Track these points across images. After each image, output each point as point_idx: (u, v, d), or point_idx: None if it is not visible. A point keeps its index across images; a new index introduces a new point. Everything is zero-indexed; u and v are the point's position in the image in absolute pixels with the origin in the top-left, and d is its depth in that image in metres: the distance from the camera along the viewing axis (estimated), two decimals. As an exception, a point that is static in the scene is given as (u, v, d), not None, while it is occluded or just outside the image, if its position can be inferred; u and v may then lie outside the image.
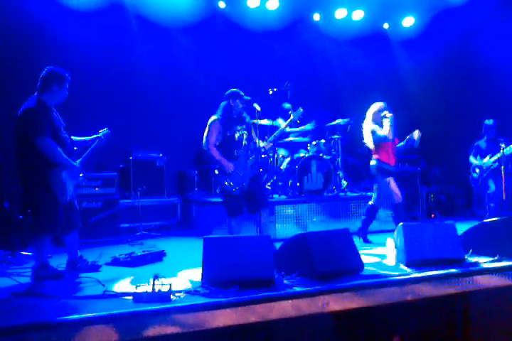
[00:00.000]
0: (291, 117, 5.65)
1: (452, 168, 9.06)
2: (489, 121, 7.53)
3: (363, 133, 6.00)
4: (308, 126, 7.82)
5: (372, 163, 5.97)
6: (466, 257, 4.42)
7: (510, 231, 4.67)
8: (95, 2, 7.73)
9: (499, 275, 4.20)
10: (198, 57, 8.54)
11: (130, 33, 8.17)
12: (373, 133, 5.84)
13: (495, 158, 7.30)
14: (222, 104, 5.17)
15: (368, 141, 5.94)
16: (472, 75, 9.28)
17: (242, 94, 5.12)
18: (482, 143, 7.59)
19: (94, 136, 4.78)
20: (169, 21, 8.28)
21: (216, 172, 5.09)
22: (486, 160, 7.43)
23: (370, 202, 6.09)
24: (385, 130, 5.78)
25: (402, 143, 6.06)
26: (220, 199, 6.97)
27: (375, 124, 5.88)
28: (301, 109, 5.65)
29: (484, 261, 4.38)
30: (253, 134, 5.30)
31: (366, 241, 6.05)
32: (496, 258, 4.45)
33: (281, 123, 6.55)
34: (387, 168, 5.87)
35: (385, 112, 5.84)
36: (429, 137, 6.77)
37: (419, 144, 5.95)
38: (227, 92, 5.19)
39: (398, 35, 10.11)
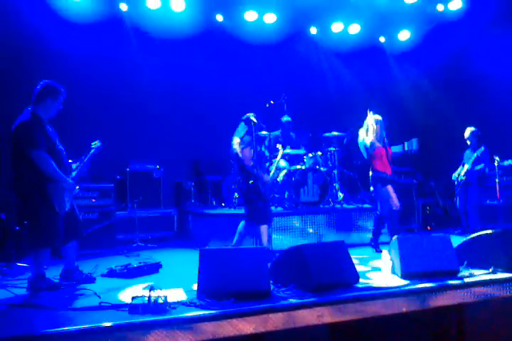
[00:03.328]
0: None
1: (449, 181, 9.10)
2: (471, 129, 7.57)
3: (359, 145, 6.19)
4: (300, 151, 7.89)
5: (370, 173, 6.10)
6: (460, 269, 4.44)
7: (505, 243, 4.70)
8: (94, 15, 7.81)
9: (493, 287, 4.23)
10: (196, 69, 8.61)
11: (128, 46, 8.26)
12: (372, 145, 5.99)
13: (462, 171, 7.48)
14: (245, 125, 5.53)
15: (363, 152, 6.14)
16: (468, 89, 9.36)
17: (255, 121, 5.51)
18: (467, 152, 7.64)
19: (88, 155, 4.80)
20: (167, 34, 8.36)
21: (251, 181, 5.41)
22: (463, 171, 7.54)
23: (377, 212, 6.19)
24: (370, 136, 5.96)
25: (397, 149, 6.16)
26: (216, 211, 7.03)
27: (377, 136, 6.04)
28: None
29: (479, 274, 4.41)
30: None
31: (378, 251, 6.02)
32: (490, 270, 4.47)
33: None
34: (384, 177, 5.99)
35: (370, 116, 6.01)
36: (425, 150, 6.83)
37: (418, 155, 6.07)
38: (250, 115, 5.55)
39: (394, 48, 10.22)
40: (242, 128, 5.56)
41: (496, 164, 7.18)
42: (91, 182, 6.70)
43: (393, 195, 6.00)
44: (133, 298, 3.46)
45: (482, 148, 7.20)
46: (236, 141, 5.50)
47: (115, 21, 8.08)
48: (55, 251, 4.96)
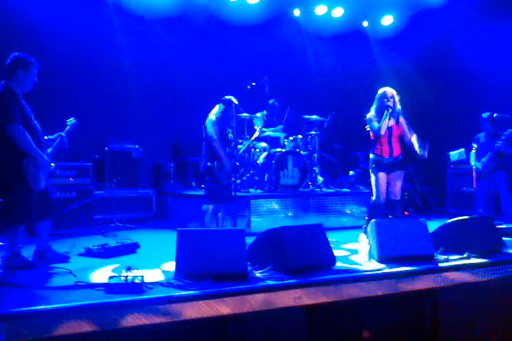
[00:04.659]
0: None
1: (426, 168, 9.19)
2: (484, 114, 7.11)
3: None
4: (278, 131, 7.86)
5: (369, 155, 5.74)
6: (436, 254, 4.50)
7: (479, 229, 4.78)
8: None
9: (467, 272, 4.31)
10: (177, 49, 8.49)
11: (109, 24, 8.07)
12: (369, 121, 5.60)
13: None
14: (221, 107, 5.55)
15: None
16: (449, 75, 9.42)
17: (236, 103, 5.50)
18: (482, 137, 7.17)
19: (57, 133, 4.72)
20: (149, 13, 8.21)
21: (209, 163, 5.46)
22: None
23: (372, 198, 5.74)
24: (380, 123, 5.46)
25: (415, 142, 5.59)
26: (195, 193, 7.00)
27: (378, 112, 5.59)
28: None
29: (453, 258, 4.48)
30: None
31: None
32: (465, 255, 4.54)
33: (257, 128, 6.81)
34: (377, 160, 5.58)
35: (386, 100, 5.50)
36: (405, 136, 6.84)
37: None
38: (227, 97, 5.55)
39: (377, 33, 10.19)
40: (219, 109, 5.56)
41: (473, 151, 7.23)
42: (69, 161, 6.61)
43: (382, 186, 5.56)
44: (109, 278, 3.43)
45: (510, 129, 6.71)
46: (210, 121, 5.49)
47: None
48: (30, 230, 4.88)
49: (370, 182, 5.83)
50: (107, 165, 7.36)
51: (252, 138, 6.51)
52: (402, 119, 5.66)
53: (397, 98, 5.62)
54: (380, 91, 5.63)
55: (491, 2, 8.55)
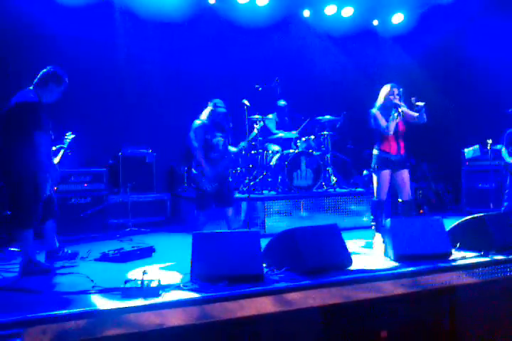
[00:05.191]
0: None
1: (441, 165, 9.11)
2: None
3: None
4: (291, 134, 7.82)
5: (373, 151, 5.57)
6: (452, 252, 4.46)
7: (496, 226, 4.73)
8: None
9: (485, 269, 4.25)
10: (188, 53, 8.51)
11: (119, 29, 8.12)
12: (374, 118, 5.43)
13: None
14: (207, 109, 5.57)
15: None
16: (460, 72, 9.33)
17: (221, 105, 5.53)
18: None
19: (59, 145, 4.87)
20: (158, 17, 8.23)
21: (194, 171, 5.48)
22: None
23: (375, 197, 5.61)
24: (389, 122, 5.31)
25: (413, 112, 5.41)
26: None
27: (383, 109, 5.45)
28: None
29: (470, 256, 4.43)
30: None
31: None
32: (482, 253, 4.49)
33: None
34: (384, 157, 5.42)
35: (392, 97, 5.37)
36: (419, 133, 6.80)
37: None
38: (213, 100, 5.57)
39: (388, 32, 10.14)
40: (205, 113, 5.56)
41: (488, 147, 7.17)
42: (84, 167, 6.68)
43: (386, 182, 5.41)
44: (126, 282, 3.45)
45: None
46: (192, 126, 5.50)
47: (104, 3, 7.93)
48: (38, 234, 4.97)
49: None
50: (120, 170, 7.41)
51: (250, 137, 6.51)
52: (404, 109, 5.44)
53: (400, 92, 5.45)
54: (386, 87, 5.49)
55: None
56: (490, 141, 7.10)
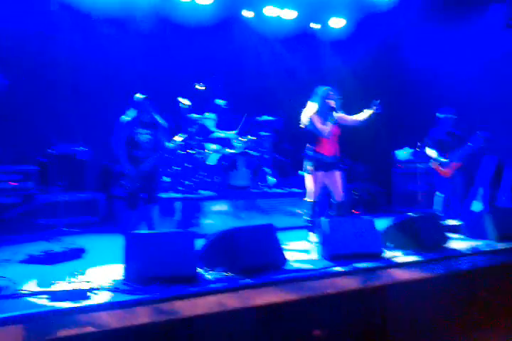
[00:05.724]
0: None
1: (374, 167, 9.36)
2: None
3: (302, 115, 5.58)
4: (230, 134, 7.81)
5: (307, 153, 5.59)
6: (384, 251, 4.58)
7: (425, 227, 4.90)
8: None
9: (413, 268, 4.39)
10: (125, 48, 8.29)
11: (53, 20, 7.81)
12: (310, 121, 5.44)
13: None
14: (130, 108, 5.54)
15: (304, 125, 5.54)
16: (395, 76, 9.63)
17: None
18: (442, 135, 6.90)
19: None
20: (96, 11, 7.97)
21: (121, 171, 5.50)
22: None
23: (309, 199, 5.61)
24: (325, 125, 5.39)
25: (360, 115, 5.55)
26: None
27: (319, 111, 5.48)
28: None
29: (400, 255, 4.56)
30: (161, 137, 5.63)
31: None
32: (410, 252, 4.64)
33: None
34: (318, 158, 5.45)
35: (328, 101, 5.43)
36: (354, 135, 6.94)
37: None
38: (140, 97, 5.53)
39: (329, 35, 10.27)
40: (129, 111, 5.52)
41: (418, 149, 7.41)
42: (12, 165, 6.36)
43: (319, 183, 5.43)
44: (53, 284, 3.31)
45: None
46: (117, 125, 5.46)
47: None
48: None
49: None
50: (51, 167, 7.10)
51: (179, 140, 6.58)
52: (339, 115, 5.56)
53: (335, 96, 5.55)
54: (322, 90, 5.53)
55: (438, 5, 8.80)
56: (420, 144, 7.34)
